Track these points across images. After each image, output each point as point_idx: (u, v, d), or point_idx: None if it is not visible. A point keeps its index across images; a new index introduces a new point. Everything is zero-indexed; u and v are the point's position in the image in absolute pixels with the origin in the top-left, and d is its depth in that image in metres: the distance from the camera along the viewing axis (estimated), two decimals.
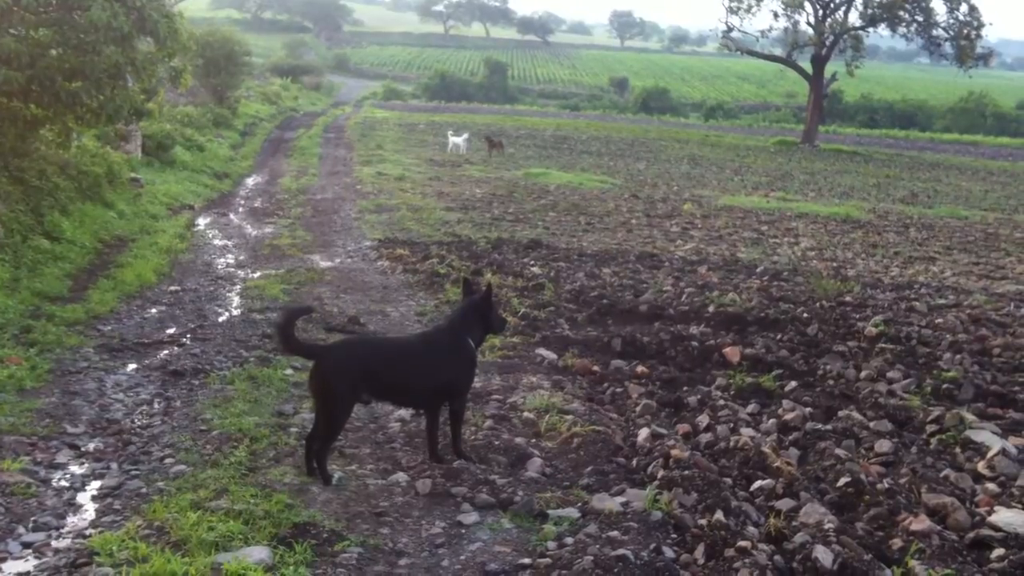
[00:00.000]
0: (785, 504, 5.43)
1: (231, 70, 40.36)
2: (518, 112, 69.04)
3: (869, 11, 54.08)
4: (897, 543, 5.01)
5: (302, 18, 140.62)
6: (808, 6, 54.99)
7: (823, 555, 4.67)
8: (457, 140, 33.43)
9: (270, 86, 62.27)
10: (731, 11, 55.74)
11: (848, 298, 11.73)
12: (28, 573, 4.67)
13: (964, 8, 51.98)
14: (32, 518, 5.28)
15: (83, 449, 6.38)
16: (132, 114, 14.58)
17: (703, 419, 6.99)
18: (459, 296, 10.86)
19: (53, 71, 12.39)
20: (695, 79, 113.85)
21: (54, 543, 4.99)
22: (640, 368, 8.48)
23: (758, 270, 14.02)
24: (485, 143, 33.69)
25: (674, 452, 6.03)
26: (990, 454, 6.29)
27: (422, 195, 21.27)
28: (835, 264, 15.32)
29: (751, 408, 7.43)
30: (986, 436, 6.63)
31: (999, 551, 4.98)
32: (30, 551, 4.90)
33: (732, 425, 6.79)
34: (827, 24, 54.31)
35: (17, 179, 13.22)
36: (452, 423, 6.11)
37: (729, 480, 5.83)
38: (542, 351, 8.92)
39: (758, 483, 5.79)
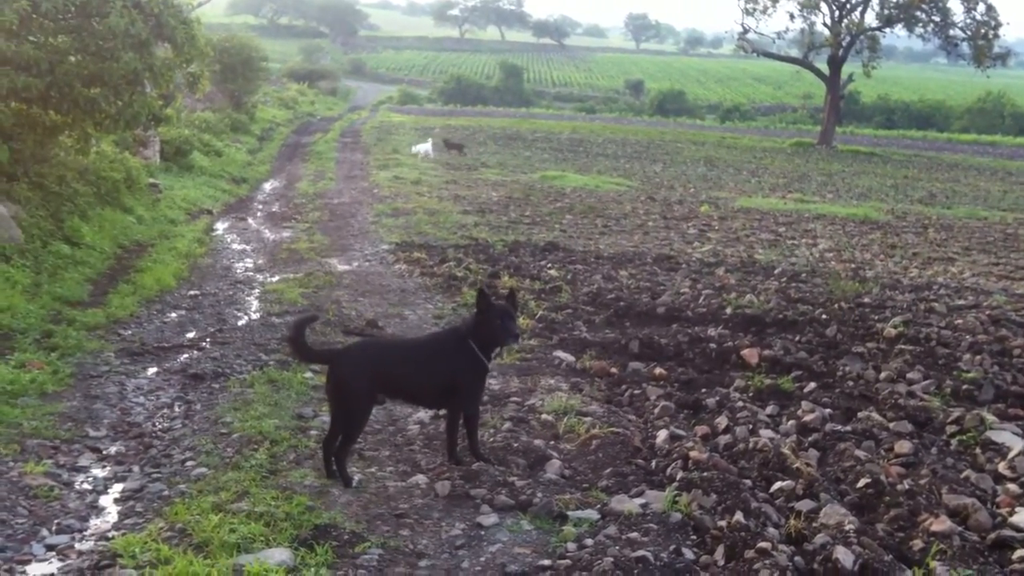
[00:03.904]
0: (805, 505, 5.41)
1: (248, 75, 40.51)
2: (533, 115, 69.05)
3: (886, 11, 53.87)
4: (918, 544, 4.99)
5: (318, 23, 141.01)
6: (824, 7, 54.85)
7: (843, 556, 4.66)
8: (424, 147, 32.49)
9: (287, 91, 62.50)
10: (747, 13, 55.67)
11: (867, 299, 11.68)
12: (52, 575, 4.71)
13: (981, 8, 51.72)
14: (55, 521, 5.33)
15: (105, 452, 6.43)
16: (150, 120, 14.68)
17: (722, 421, 6.97)
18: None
19: (72, 77, 12.47)
20: (711, 81, 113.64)
21: (77, 545, 5.03)
22: (658, 370, 8.47)
23: (776, 272, 13.98)
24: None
25: (693, 454, 6.02)
26: (1011, 455, 6.26)
27: (438, 199, 21.30)
28: (853, 265, 15.26)
29: (770, 409, 7.41)
30: (1007, 437, 6.61)
31: (1020, 552, 4.96)
32: (53, 553, 4.94)
33: (751, 427, 6.78)
34: (843, 25, 54.10)
35: (37, 185, 13.31)
36: (466, 425, 6.13)
37: (748, 482, 5.81)
38: (560, 353, 8.93)
39: (778, 484, 5.78)
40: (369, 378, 5.77)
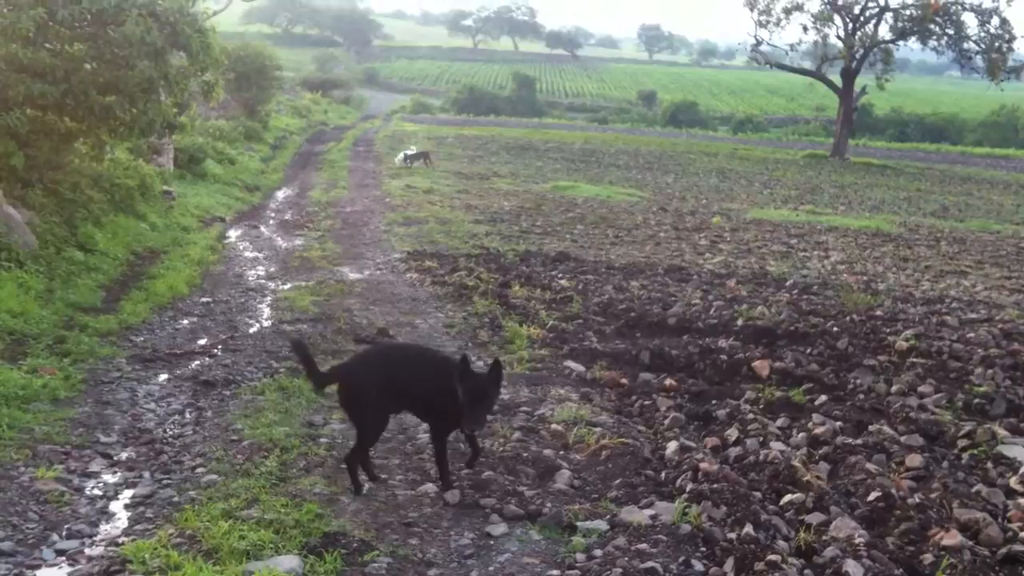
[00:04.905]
0: (815, 518, 5.40)
1: (262, 84, 40.70)
2: (546, 126, 69.12)
3: (899, 24, 53.73)
4: (928, 558, 4.97)
5: (332, 32, 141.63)
6: (838, 19, 54.74)
7: (854, 569, 4.65)
8: (405, 151, 32.79)
9: (300, 100, 62.82)
10: (760, 24, 55.55)
11: (879, 312, 11.66)
12: None
13: (995, 21, 51.52)
14: (66, 526, 5.34)
15: (116, 458, 6.44)
16: (165, 127, 14.75)
17: (732, 433, 6.96)
18: (488, 309, 10.96)
19: (87, 85, 12.54)
20: (724, 92, 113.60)
21: (87, 551, 5.04)
22: (669, 381, 8.45)
23: (787, 283, 13.96)
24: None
25: (703, 465, 6.01)
26: (1022, 469, 6.23)
27: (450, 208, 21.33)
28: (865, 278, 15.22)
29: (781, 422, 7.39)
30: (1018, 451, 6.59)
31: None
32: (64, 558, 4.96)
33: (762, 439, 6.77)
34: (857, 37, 54.01)
35: (51, 191, 13.38)
36: (432, 442, 6.02)
37: (759, 494, 5.80)
38: (570, 363, 8.92)
39: (788, 497, 5.76)
40: (378, 385, 5.76)
